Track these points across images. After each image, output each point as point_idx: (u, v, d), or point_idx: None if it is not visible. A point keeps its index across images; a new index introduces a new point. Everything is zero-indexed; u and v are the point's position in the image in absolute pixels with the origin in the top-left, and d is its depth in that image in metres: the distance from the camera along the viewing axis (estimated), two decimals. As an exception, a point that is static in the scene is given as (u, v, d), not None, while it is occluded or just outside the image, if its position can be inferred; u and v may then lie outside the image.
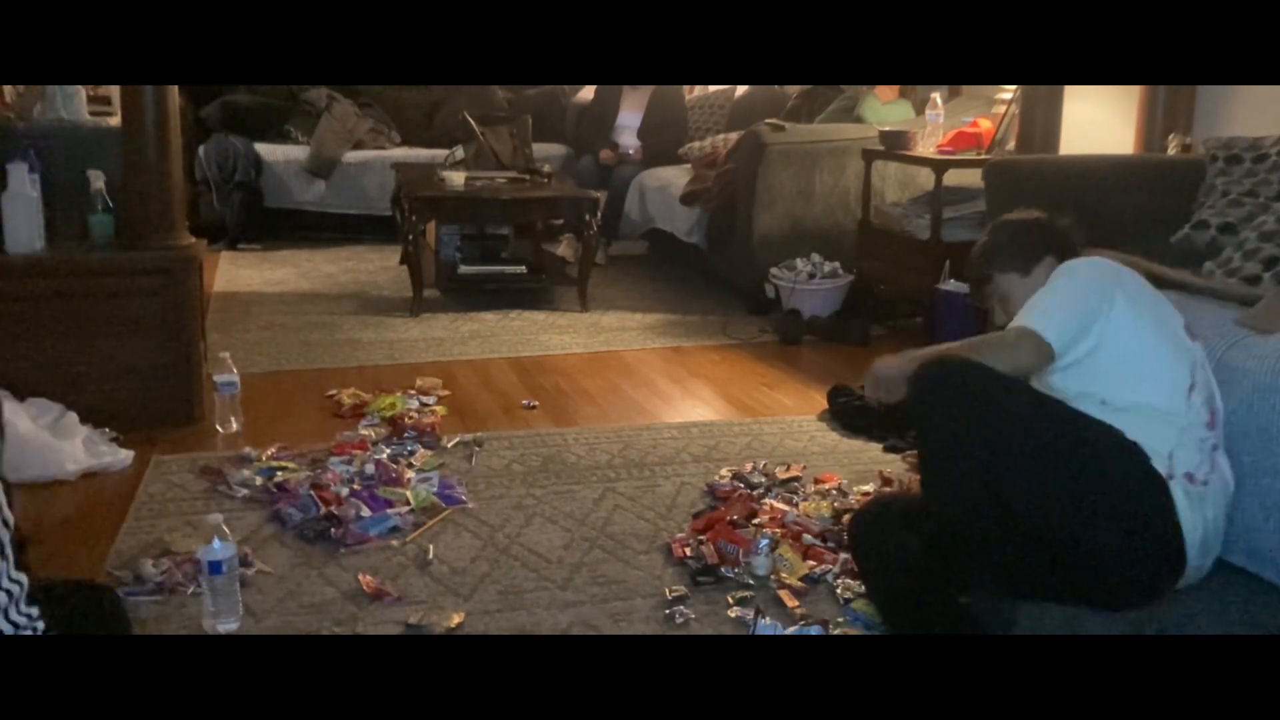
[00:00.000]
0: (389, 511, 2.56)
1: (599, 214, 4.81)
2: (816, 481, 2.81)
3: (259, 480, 2.74)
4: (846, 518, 2.50)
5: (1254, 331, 2.05)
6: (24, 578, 1.36)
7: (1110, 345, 1.89)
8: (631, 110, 5.88)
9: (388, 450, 2.92)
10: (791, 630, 2.09)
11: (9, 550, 1.35)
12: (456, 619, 2.13)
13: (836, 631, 2.12)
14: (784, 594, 2.25)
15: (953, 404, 1.85)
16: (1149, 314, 1.93)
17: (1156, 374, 1.88)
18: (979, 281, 2.19)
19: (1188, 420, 1.85)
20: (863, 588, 2.27)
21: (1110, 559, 1.80)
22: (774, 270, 4.48)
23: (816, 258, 4.48)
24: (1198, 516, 1.81)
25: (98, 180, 3.17)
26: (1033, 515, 1.83)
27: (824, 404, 3.41)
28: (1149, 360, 1.89)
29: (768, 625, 2.10)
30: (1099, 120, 4.20)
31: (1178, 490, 1.80)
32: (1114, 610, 1.80)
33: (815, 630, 2.10)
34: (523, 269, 4.85)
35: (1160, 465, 1.80)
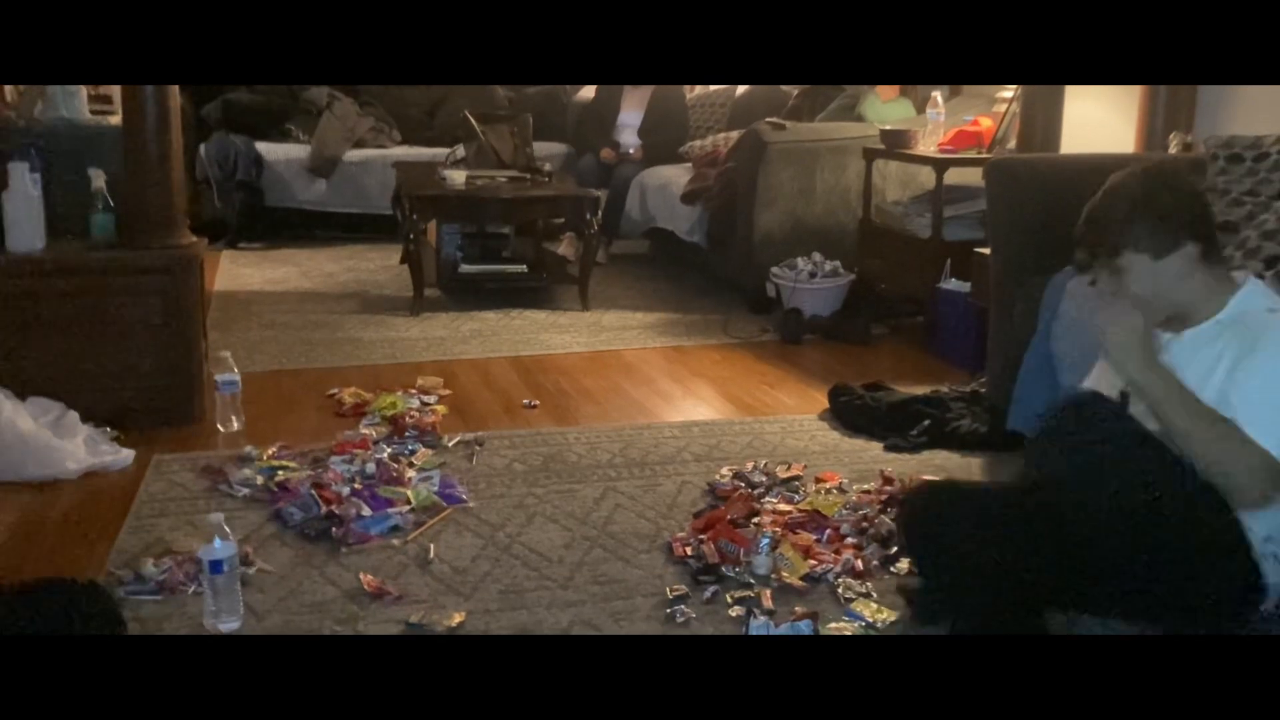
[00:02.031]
0: (390, 511, 2.56)
1: (600, 213, 4.81)
2: (817, 480, 2.81)
3: (260, 479, 2.74)
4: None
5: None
6: None
7: None
8: (632, 109, 5.88)
9: (389, 449, 2.93)
10: (783, 629, 2.09)
11: None
12: (457, 618, 2.13)
13: (828, 630, 2.12)
14: (765, 593, 2.24)
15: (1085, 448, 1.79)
16: None
17: None
18: (1102, 250, 1.85)
19: None
20: (864, 588, 2.28)
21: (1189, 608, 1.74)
22: (775, 269, 4.48)
23: (817, 257, 4.47)
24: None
25: (99, 179, 3.18)
26: (1118, 549, 1.73)
27: (825, 403, 3.41)
28: None
29: (760, 624, 2.10)
30: (1100, 119, 4.20)
31: (1269, 567, 1.73)
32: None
33: (806, 628, 2.10)
34: (523, 268, 4.84)
35: (1256, 542, 1.72)
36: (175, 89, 3.15)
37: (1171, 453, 1.75)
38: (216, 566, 2.07)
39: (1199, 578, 1.72)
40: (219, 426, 3.12)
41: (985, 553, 1.81)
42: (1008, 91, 4.23)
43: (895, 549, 2.41)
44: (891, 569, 2.36)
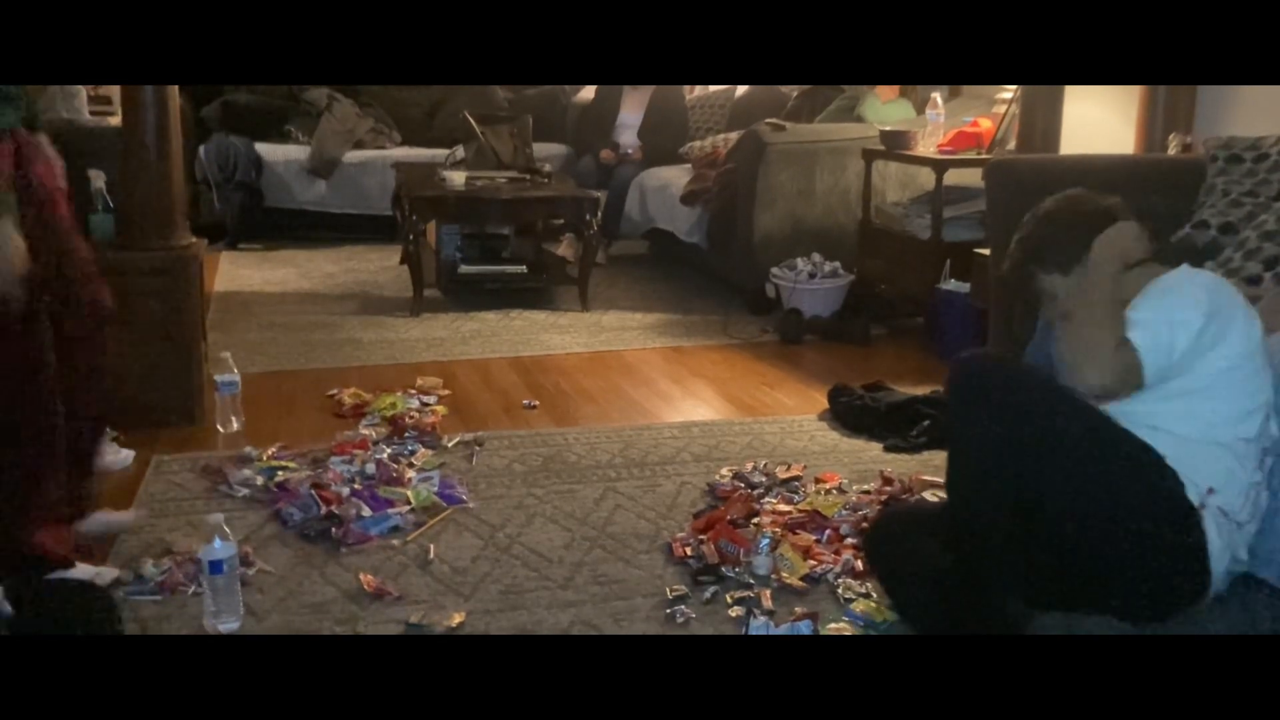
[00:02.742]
0: (390, 511, 2.56)
1: (599, 214, 4.81)
2: (817, 481, 2.81)
3: (260, 480, 2.74)
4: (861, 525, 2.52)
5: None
6: None
7: (1190, 377, 1.79)
8: (632, 110, 5.88)
9: (388, 450, 2.93)
10: (783, 629, 2.09)
11: None
12: (457, 618, 2.13)
13: (827, 630, 2.12)
14: (764, 594, 2.24)
15: (989, 404, 1.83)
16: (1239, 341, 1.81)
17: (1228, 414, 1.79)
18: (1022, 279, 2.02)
19: (1239, 462, 1.79)
20: (864, 589, 2.28)
21: (1131, 577, 1.77)
22: (774, 270, 4.48)
23: (817, 257, 4.48)
24: (1225, 548, 1.78)
25: (98, 180, 3.17)
26: (1054, 524, 1.80)
27: (825, 404, 3.41)
28: (1223, 398, 1.79)
29: (760, 625, 2.10)
30: (1099, 120, 4.20)
31: (1209, 521, 1.76)
32: (1132, 622, 1.78)
33: (806, 628, 2.10)
34: (523, 269, 4.85)
35: (1194, 495, 1.76)
36: (175, 90, 3.15)
37: (1099, 413, 1.81)
38: (216, 567, 2.07)
39: (1144, 547, 1.76)
40: (219, 427, 3.12)
41: (931, 560, 1.94)
42: (1007, 92, 4.24)
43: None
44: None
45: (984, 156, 3.99)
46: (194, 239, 3.27)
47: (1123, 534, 1.76)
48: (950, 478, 1.94)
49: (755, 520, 2.56)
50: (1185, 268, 1.92)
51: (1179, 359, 1.79)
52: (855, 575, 2.33)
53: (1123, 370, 1.78)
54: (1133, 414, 1.82)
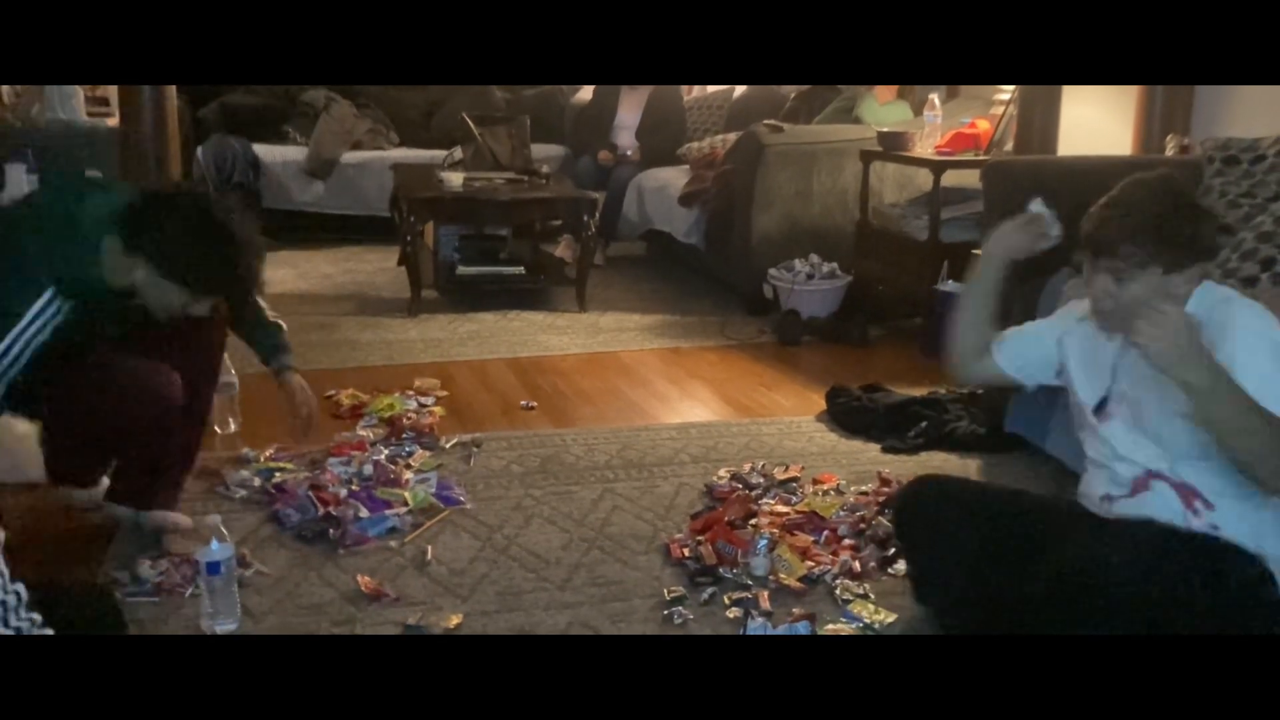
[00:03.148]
0: (387, 512, 2.56)
1: (597, 215, 4.81)
2: (815, 482, 2.81)
3: (257, 481, 2.74)
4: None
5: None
6: (21, 587, 1.38)
7: None
8: (630, 111, 5.88)
9: (386, 451, 2.92)
10: (781, 630, 2.09)
11: (2, 563, 1.37)
12: (455, 620, 2.13)
13: (825, 631, 2.12)
14: (762, 595, 2.24)
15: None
16: None
17: None
18: (1110, 252, 1.75)
19: None
20: (862, 589, 2.28)
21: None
22: (772, 271, 4.48)
23: (815, 258, 4.48)
24: None
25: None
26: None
27: (822, 405, 3.41)
28: None
29: (757, 626, 2.10)
30: (1097, 121, 4.21)
31: None
32: None
33: (804, 629, 2.10)
34: (521, 270, 4.84)
35: None
36: (173, 91, 3.15)
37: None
38: (214, 568, 2.06)
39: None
40: (216, 428, 3.12)
41: (964, 544, 1.93)
42: (1005, 93, 4.24)
43: (893, 550, 2.41)
44: (889, 570, 2.36)
45: (982, 158, 3.99)
46: (191, 240, 3.26)
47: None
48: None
49: (753, 521, 2.56)
50: (1242, 300, 1.77)
51: None
52: (853, 576, 2.33)
53: None
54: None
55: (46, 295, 2.04)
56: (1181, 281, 1.75)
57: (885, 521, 2.53)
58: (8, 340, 2.01)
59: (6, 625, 1.36)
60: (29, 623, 1.38)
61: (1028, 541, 1.90)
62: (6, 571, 1.39)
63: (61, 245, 2.09)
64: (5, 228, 2.18)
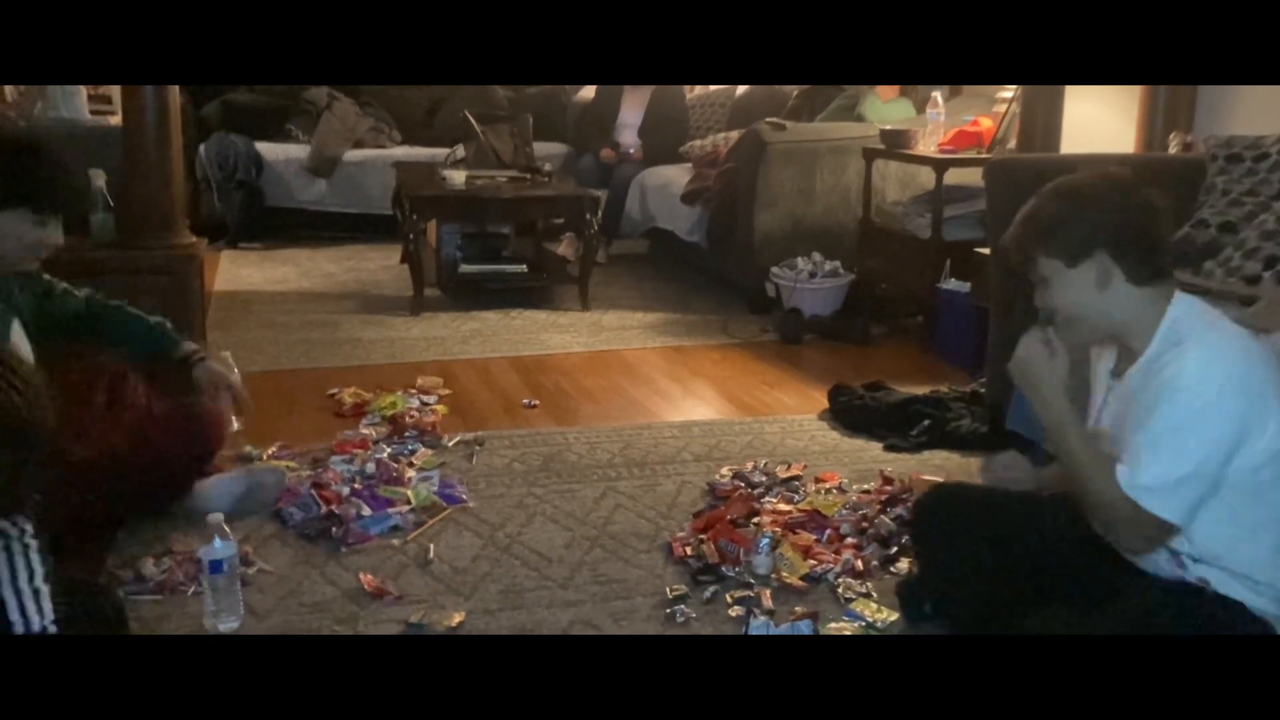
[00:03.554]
0: (390, 510, 2.56)
1: (600, 213, 4.81)
2: (817, 480, 2.81)
3: (260, 479, 2.74)
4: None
5: (1253, 331, 2.05)
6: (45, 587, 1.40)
7: (1224, 496, 1.62)
8: (632, 109, 5.88)
9: (388, 449, 2.93)
10: (783, 629, 2.09)
11: (35, 559, 1.39)
12: (457, 618, 2.13)
13: (827, 630, 2.12)
14: (764, 593, 2.24)
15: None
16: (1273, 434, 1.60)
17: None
18: (1022, 261, 1.75)
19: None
20: (864, 588, 2.28)
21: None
22: (775, 269, 4.48)
23: (817, 256, 4.47)
24: None
25: (99, 179, 3.18)
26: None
27: (825, 403, 3.41)
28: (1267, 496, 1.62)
29: (760, 624, 2.10)
30: (1100, 119, 4.20)
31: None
32: None
33: (806, 628, 2.10)
34: (523, 268, 4.84)
35: (1267, 607, 1.67)
36: (175, 89, 3.15)
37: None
38: (216, 566, 2.07)
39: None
40: (219, 426, 3.12)
41: (981, 553, 1.89)
42: (1008, 92, 4.23)
43: (895, 549, 2.41)
44: (891, 569, 2.36)
45: (984, 156, 3.99)
46: (194, 238, 3.27)
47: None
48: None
49: (755, 520, 2.56)
50: (1199, 349, 1.63)
51: (1209, 485, 1.61)
52: (855, 575, 2.33)
53: (1151, 535, 1.65)
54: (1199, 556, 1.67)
55: None
56: (1089, 274, 1.66)
57: (887, 520, 2.53)
58: None
59: (24, 615, 1.37)
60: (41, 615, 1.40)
61: (1041, 569, 1.89)
62: (38, 569, 1.40)
63: None
64: None
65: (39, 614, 1.40)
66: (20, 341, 2.21)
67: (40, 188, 2.18)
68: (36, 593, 1.40)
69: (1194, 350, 1.62)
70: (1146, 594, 1.72)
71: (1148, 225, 1.68)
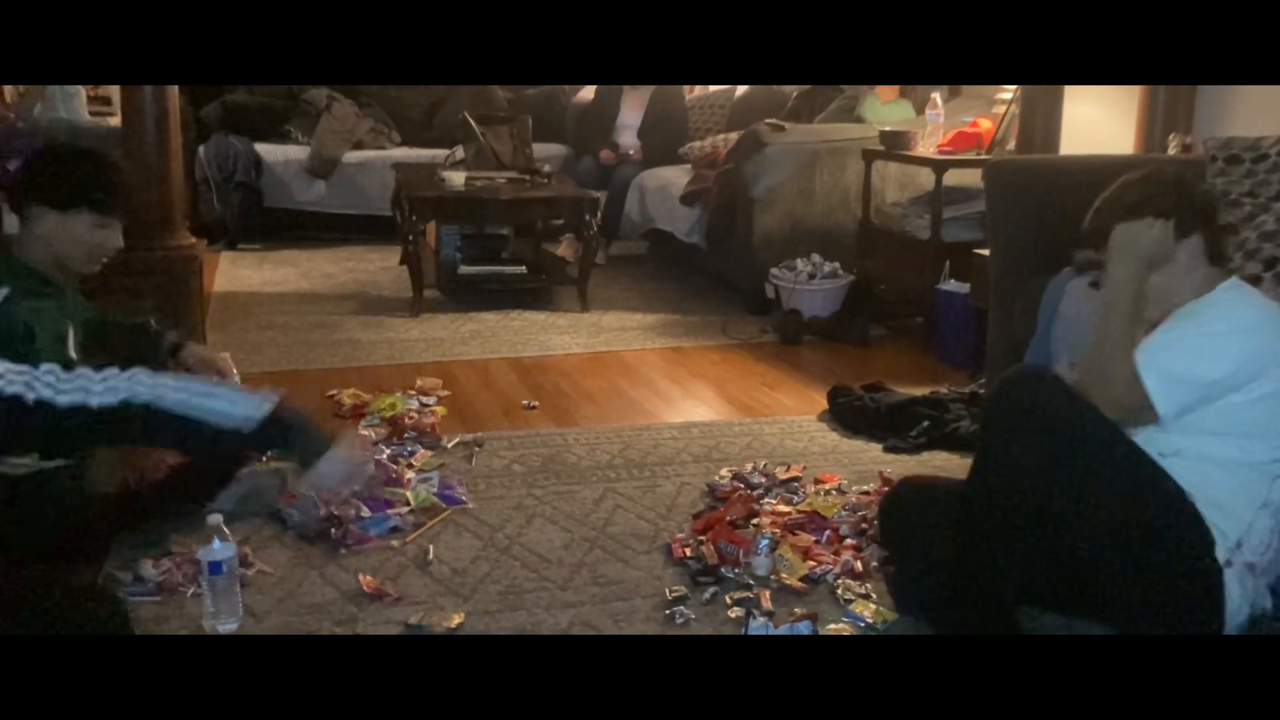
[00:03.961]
0: (389, 512, 2.56)
1: (599, 214, 4.81)
2: (816, 481, 2.81)
3: (259, 480, 2.74)
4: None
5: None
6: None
7: (1215, 416, 1.77)
8: (632, 110, 5.88)
9: (388, 450, 2.92)
10: (783, 630, 2.09)
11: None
12: (457, 619, 2.13)
13: (827, 631, 2.12)
14: (764, 595, 2.24)
15: (1029, 422, 1.74)
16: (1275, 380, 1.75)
17: (1258, 452, 1.77)
18: (1101, 233, 1.89)
19: (1267, 505, 1.76)
20: (863, 589, 2.28)
21: (1139, 614, 1.76)
22: (774, 270, 4.48)
23: (816, 258, 4.47)
24: (1245, 601, 1.76)
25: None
26: (1072, 550, 1.77)
27: (824, 404, 3.41)
28: (1256, 435, 1.76)
29: (759, 626, 2.10)
30: (1099, 120, 4.20)
31: (1232, 579, 1.73)
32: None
33: (805, 629, 2.10)
34: (523, 269, 4.84)
35: (1222, 553, 1.73)
36: (174, 90, 3.15)
37: (1145, 455, 1.77)
38: (216, 568, 2.06)
39: (1162, 584, 1.74)
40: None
41: (943, 544, 1.91)
42: (1007, 92, 4.23)
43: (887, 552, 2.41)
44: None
45: (983, 157, 3.99)
46: (193, 239, 3.27)
47: (1141, 582, 1.73)
48: (975, 483, 1.86)
49: (755, 521, 2.56)
50: (1236, 289, 1.86)
51: (1200, 398, 1.76)
52: (855, 576, 2.32)
53: (1133, 410, 1.77)
54: (1158, 440, 1.79)
55: None
56: (1179, 254, 1.83)
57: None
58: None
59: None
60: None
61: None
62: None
63: None
64: None
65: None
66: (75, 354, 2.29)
67: (101, 191, 2.27)
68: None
69: (1234, 288, 1.85)
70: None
71: (1213, 212, 1.88)
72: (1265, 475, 1.77)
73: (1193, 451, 1.78)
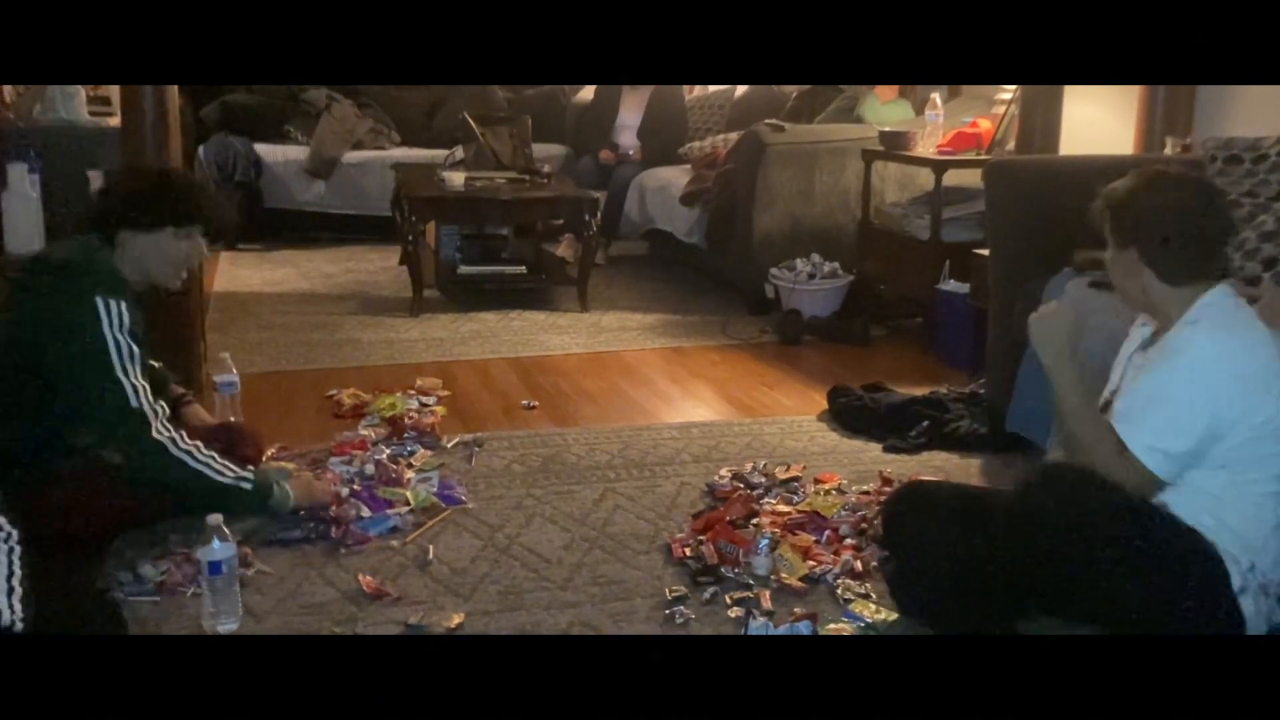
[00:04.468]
0: (389, 512, 2.56)
1: (599, 214, 4.81)
2: (816, 481, 2.81)
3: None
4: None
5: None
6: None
7: (1213, 456, 1.78)
8: (631, 110, 5.88)
9: (388, 450, 2.92)
10: (783, 630, 2.09)
11: (16, 561, 1.42)
12: (456, 619, 2.13)
13: (827, 631, 2.12)
14: (764, 594, 2.24)
15: (1065, 518, 1.77)
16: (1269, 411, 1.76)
17: (1261, 478, 1.79)
18: (1116, 240, 1.89)
19: (1273, 524, 1.79)
20: (863, 589, 2.28)
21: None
22: (774, 270, 4.48)
23: (816, 258, 4.47)
24: (1262, 619, 1.78)
25: (97, 180, 3.17)
26: (1090, 593, 1.79)
27: (824, 404, 3.41)
28: (1255, 465, 1.78)
29: (759, 625, 2.10)
30: (1099, 120, 4.20)
31: (1248, 603, 1.76)
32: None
33: (805, 629, 2.10)
34: (523, 269, 4.84)
35: (1237, 580, 1.76)
36: (174, 90, 3.15)
37: (1160, 512, 1.79)
38: (215, 568, 2.06)
39: (1178, 610, 1.75)
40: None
41: (948, 549, 1.94)
42: (1007, 93, 4.24)
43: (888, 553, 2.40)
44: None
45: (983, 157, 3.99)
46: (193, 239, 3.26)
47: (1162, 621, 1.75)
48: (1003, 542, 1.86)
49: (754, 521, 2.56)
50: (1194, 329, 1.81)
51: (1191, 459, 1.78)
52: (855, 576, 2.32)
53: (1136, 483, 1.78)
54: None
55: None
56: (1126, 260, 1.86)
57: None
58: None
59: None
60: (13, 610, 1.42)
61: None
62: (19, 571, 1.42)
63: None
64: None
65: (9, 610, 1.42)
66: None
67: (178, 204, 2.43)
68: (11, 591, 1.42)
69: (1205, 326, 1.80)
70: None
71: (1189, 233, 1.81)
72: (1273, 499, 1.79)
73: (1199, 483, 1.80)
